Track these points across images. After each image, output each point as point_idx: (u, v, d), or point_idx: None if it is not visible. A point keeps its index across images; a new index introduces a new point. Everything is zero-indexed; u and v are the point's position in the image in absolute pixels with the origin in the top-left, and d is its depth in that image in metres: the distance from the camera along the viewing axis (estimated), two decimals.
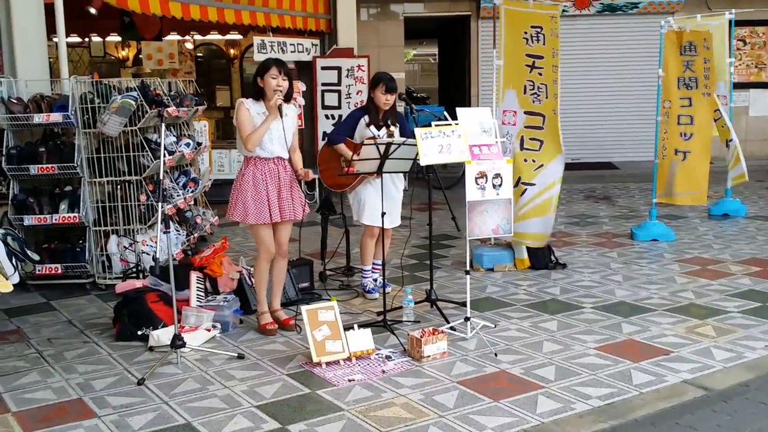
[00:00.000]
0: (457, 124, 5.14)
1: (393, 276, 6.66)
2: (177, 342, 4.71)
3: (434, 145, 5.04)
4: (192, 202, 7.98)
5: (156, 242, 6.55)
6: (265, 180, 5.14)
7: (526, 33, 6.77)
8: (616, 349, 4.87)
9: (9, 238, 5.05)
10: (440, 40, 20.74)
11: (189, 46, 15.23)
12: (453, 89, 16.78)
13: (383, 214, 5.42)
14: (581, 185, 12.14)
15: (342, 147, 5.95)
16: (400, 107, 7.04)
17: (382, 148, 5.21)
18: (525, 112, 6.82)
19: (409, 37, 14.98)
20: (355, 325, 4.87)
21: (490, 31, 11.49)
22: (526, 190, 6.79)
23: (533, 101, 6.81)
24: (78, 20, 10.39)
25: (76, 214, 6.44)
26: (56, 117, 6.39)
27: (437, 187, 5.89)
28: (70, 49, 13.20)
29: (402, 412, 3.99)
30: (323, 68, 10.98)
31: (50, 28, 7.17)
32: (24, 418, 4.04)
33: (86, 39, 14.52)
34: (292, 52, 10.75)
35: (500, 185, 5.14)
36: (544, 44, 6.77)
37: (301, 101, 10.52)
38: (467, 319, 5.18)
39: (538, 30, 6.76)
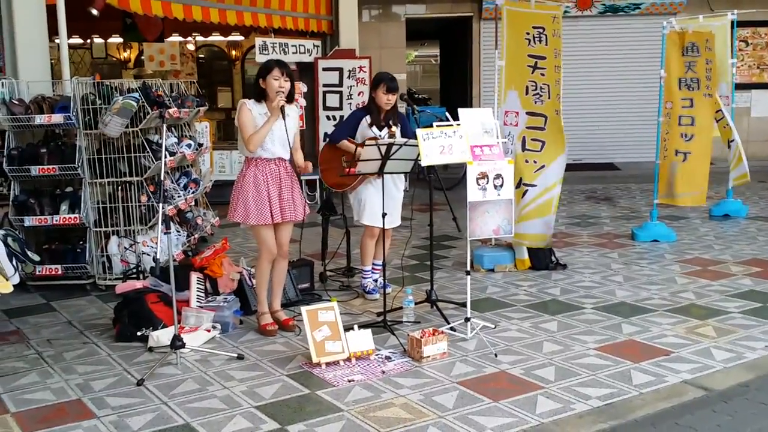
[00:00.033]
0: (458, 124, 5.14)
1: (393, 276, 6.66)
2: (177, 343, 4.71)
3: (436, 145, 5.03)
4: (193, 203, 7.99)
5: (156, 243, 6.56)
6: (266, 181, 5.14)
7: (528, 34, 6.77)
8: (617, 350, 4.86)
9: (9, 239, 5.05)
10: (442, 42, 20.74)
11: (191, 47, 15.25)
12: (454, 90, 16.77)
13: (384, 214, 5.42)
14: (582, 186, 12.13)
15: (345, 142, 5.94)
16: (402, 108, 7.05)
17: (383, 149, 5.21)
18: (527, 113, 6.81)
19: (410, 38, 14.98)
20: (355, 326, 4.87)
21: (491, 32, 11.48)
22: (527, 191, 6.78)
23: (535, 102, 6.80)
24: (80, 21, 10.43)
25: (77, 215, 6.44)
26: (57, 118, 6.40)
27: (438, 187, 5.89)
28: (72, 50, 13.24)
29: (402, 413, 3.99)
30: (325, 69, 10.99)
31: (52, 29, 7.18)
32: (23, 418, 4.05)
33: (88, 40, 14.54)
34: (293, 53, 10.76)
35: (501, 186, 5.13)
36: (546, 45, 6.77)
37: (303, 102, 10.53)
38: (467, 319, 5.18)
39: (540, 31, 6.76)
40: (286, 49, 10.67)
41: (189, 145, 7.62)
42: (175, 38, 14.02)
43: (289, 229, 5.41)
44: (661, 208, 8.39)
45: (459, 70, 16.02)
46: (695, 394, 4.22)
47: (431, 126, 5.09)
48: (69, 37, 7.39)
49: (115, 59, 15.66)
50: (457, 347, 4.94)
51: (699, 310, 5.69)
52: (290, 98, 5.17)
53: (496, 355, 4.77)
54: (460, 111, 5.27)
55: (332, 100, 11.05)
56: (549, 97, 6.81)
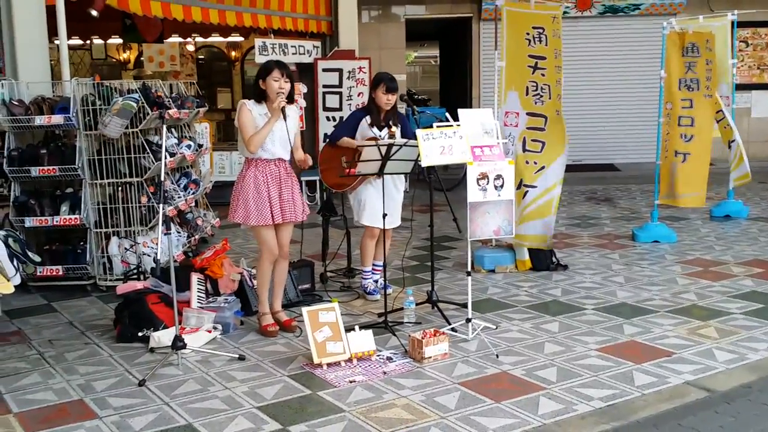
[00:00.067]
0: (458, 125, 5.14)
1: (394, 277, 6.66)
2: (178, 343, 4.70)
3: (436, 146, 5.03)
4: (193, 204, 7.99)
5: (157, 244, 6.55)
6: (266, 181, 5.14)
7: (528, 34, 6.77)
8: (618, 351, 4.85)
9: (10, 240, 5.05)
10: (441, 42, 20.74)
11: (190, 48, 15.25)
12: (454, 91, 16.78)
13: (384, 215, 5.41)
14: (583, 187, 12.13)
15: (345, 139, 5.92)
16: (402, 108, 7.04)
17: (383, 150, 5.21)
18: (527, 114, 6.81)
19: (410, 39, 14.98)
20: (356, 327, 4.86)
21: (491, 32, 11.49)
22: (527, 192, 6.78)
23: (535, 102, 6.80)
24: (79, 22, 10.44)
25: (77, 216, 6.44)
26: (57, 119, 6.39)
27: (438, 188, 5.88)
28: (72, 51, 13.22)
29: (403, 414, 3.98)
30: (324, 70, 10.99)
31: (51, 30, 7.18)
32: (25, 418, 4.04)
33: (88, 41, 14.54)
34: (293, 54, 10.76)
35: (502, 186, 5.13)
36: (546, 45, 6.77)
37: (303, 103, 10.53)
38: (468, 320, 5.17)
39: (540, 31, 6.76)
40: (286, 50, 10.67)
41: (189, 146, 7.61)
42: (175, 39, 14.02)
43: (290, 230, 5.40)
44: (661, 209, 8.39)
45: (458, 71, 16.02)
46: (697, 395, 4.22)
47: (431, 127, 5.09)
48: (69, 38, 7.39)
49: (114, 60, 15.66)
50: (459, 348, 4.93)
51: (700, 311, 5.69)
52: (290, 99, 5.17)
53: (497, 356, 4.77)
54: (460, 111, 5.27)
55: (332, 100, 11.05)
56: (549, 98, 6.81)
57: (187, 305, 5.44)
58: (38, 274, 6.43)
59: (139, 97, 6.47)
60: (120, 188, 6.64)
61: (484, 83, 14.06)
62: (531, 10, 6.80)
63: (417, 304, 5.58)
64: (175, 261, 6.06)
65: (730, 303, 5.86)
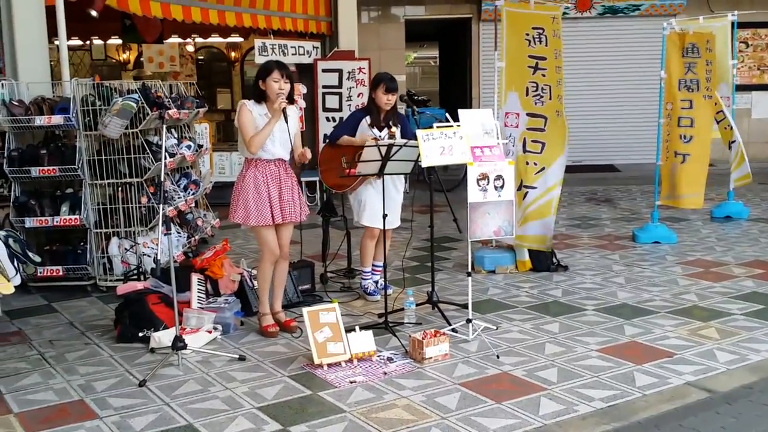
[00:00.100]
0: (458, 125, 5.13)
1: (394, 278, 6.65)
2: (178, 344, 4.70)
3: (436, 146, 5.03)
4: (193, 205, 7.98)
5: (157, 244, 6.55)
6: (266, 182, 5.14)
7: (528, 35, 6.77)
8: (619, 351, 4.85)
9: (10, 240, 5.04)
10: (441, 43, 20.74)
11: (190, 48, 15.24)
12: (454, 92, 16.77)
13: (384, 215, 5.41)
14: (583, 187, 12.13)
15: (346, 137, 5.91)
16: (402, 109, 7.04)
17: (383, 150, 5.20)
18: (527, 114, 6.81)
19: (409, 39, 14.98)
20: (357, 327, 4.86)
21: (490, 33, 11.49)
22: (527, 193, 6.78)
23: (535, 103, 6.80)
24: (79, 23, 10.41)
25: (78, 216, 6.43)
26: (57, 119, 6.39)
27: (438, 189, 5.88)
28: (71, 51, 13.22)
29: (404, 414, 3.98)
30: (324, 71, 10.98)
31: (51, 30, 7.17)
32: (26, 419, 4.04)
33: (87, 42, 14.53)
34: (293, 54, 10.76)
35: (502, 187, 5.12)
36: (546, 45, 6.77)
37: (302, 104, 10.52)
38: (469, 320, 5.17)
39: (540, 31, 6.76)
40: (286, 51, 10.67)
41: (189, 147, 7.61)
42: (175, 39, 14.01)
43: (290, 231, 5.40)
44: (661, 209, 8.39)
45: (458, 72, 16.02)
46: (699, 396, 4.21)
47: (431, 127, 5.08)
48: (68, 38, 7.37)
49: (114, 61, 15.64)
50: (459, 348, 4.93)
51: (701, 311, 5.69)
52: (290, 99, 5.17)
53: (498, 357, 4.76)
54: (460, 112, 5.27)
55: (332, 101, 11.05)
56: (550, 98, 6.80)
57: (188, 306, 5.44)
58: (38, 274, 6.43)
59: (139, 97, 6.47)
60: (120, 189, 6.64)
61: (484, 84, 14.06)
62: (531, 11, 6.80)
63: (417, 305, 5.58)
64: (175, 261, 6.06)
65: (730, 304, 5.86)
